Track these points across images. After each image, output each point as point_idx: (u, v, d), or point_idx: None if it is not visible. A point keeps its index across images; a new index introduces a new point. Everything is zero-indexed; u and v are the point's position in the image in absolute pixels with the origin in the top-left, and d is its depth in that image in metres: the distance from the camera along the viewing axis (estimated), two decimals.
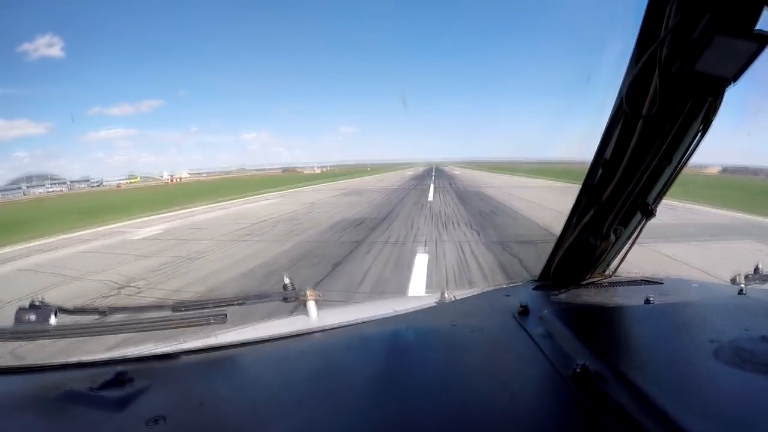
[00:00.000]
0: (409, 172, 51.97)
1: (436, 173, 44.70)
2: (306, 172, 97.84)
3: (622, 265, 1.02)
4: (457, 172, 50.09)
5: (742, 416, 0.42)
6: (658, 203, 0.83)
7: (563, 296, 0.93)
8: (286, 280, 1.01)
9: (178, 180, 73.91)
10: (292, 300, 0.98)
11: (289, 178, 49.16)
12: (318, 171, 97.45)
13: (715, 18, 0.52)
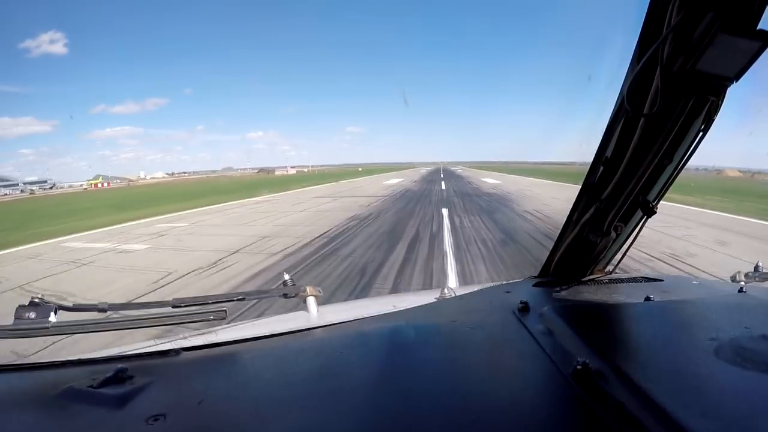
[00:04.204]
0: (394, 180, 29.18)
1: (448, 193, 15.51)
2: (278, 173, 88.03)
3: (622, 262, 1.03)
4: (493, 182, 24.35)
5: (742, 414, 0.43)
6: (659, 201, 0.83)
7: (563, 293, 0.94)
8: (286, 277, 1.01)
9: (104, 186, 61.18)
10: (292, 297, 0.97)
11: (241, 183, 37.76)
12: (293, 172, 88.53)
13: (717, 16, 0.52)
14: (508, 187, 19.68)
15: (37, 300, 0.76)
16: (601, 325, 0.72)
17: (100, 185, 62.11)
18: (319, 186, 25.48)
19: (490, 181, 26.74)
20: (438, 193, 16.56)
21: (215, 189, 27.01)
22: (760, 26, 0.52)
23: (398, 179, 31.88)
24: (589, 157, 0.81)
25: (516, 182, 23.97)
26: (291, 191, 21.05)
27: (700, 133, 0.70)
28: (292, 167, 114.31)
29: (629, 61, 0.67)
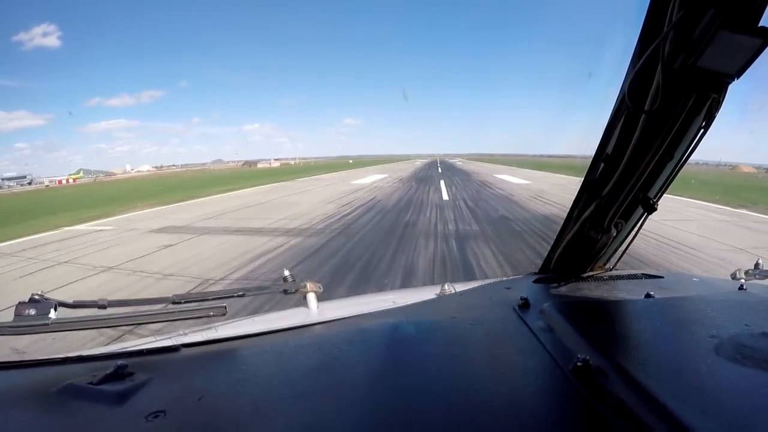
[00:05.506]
0: (369, 179, 19.17)
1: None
2: (261, 166, 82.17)
3: (622, 258, 1.03)
4: (518, 182, 15.41)
5: (742, 412, 0.43)
6: (660, 198, 0.84)
7: (564, 289, 0.94)
8: (286, 273, 1.01)
9: (68, 182, 57.20)
10: (292, 293, 0.97)
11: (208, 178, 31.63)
12: (277, 165, 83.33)
13: (719, 13, 0.52)
14: (557, 194, 10.63)
15: (37, 297, 0.76)
16: (601, 321, 0.72)
17: (65, 181, 60.17)
18: (256, 189, 16.26)
19: (512, 180, 16.75)
20: (434, 212, 8.18)
21: (137, 191, 19.31)
22: (761, 23, 0.52)
23: (378, 176, 21.96)
24: (590, 152, 0.81)
25: (556, 183, 14.30)
26: (197, 199, 12.77)
27: (701, 130, 0.70)
28: (276, 160, 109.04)
29: (630, 58, 0.67)
